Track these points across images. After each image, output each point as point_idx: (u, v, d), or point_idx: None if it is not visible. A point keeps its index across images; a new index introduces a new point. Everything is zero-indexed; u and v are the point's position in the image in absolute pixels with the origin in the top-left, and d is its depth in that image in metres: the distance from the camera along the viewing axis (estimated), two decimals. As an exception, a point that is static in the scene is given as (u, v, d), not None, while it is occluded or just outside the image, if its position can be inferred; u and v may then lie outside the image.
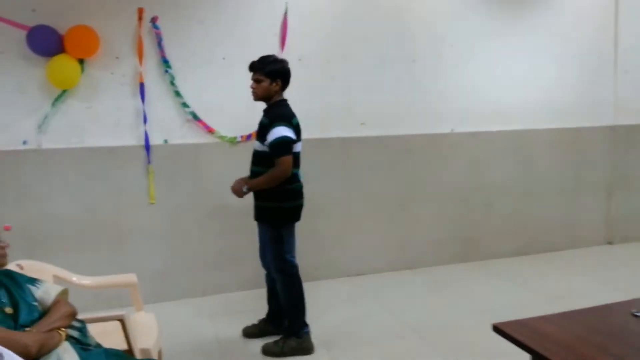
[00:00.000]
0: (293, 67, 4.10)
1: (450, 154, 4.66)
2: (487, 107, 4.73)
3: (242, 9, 4.00)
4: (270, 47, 4.05)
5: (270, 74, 2.95)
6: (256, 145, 3.05)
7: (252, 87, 2.99)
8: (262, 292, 3.58)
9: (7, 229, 3.55)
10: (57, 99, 3.66)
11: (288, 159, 2.89)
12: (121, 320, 2.17)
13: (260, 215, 3.09)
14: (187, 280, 4.03)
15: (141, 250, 3.91)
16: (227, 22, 3.97)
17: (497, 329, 1.67)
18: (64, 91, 3.66)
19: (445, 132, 4.63)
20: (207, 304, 3.91)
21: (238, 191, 2.98)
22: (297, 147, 3.01)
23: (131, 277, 2.61)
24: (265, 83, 2.95)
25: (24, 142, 3.64)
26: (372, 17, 4.32)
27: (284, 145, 2.87)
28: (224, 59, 3.99)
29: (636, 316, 1.76)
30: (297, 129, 2.99)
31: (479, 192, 4.77)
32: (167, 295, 3.96)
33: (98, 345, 2.03)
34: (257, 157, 3.05)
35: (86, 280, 2.53)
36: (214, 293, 4.08)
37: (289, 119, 2.96)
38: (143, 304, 3.75)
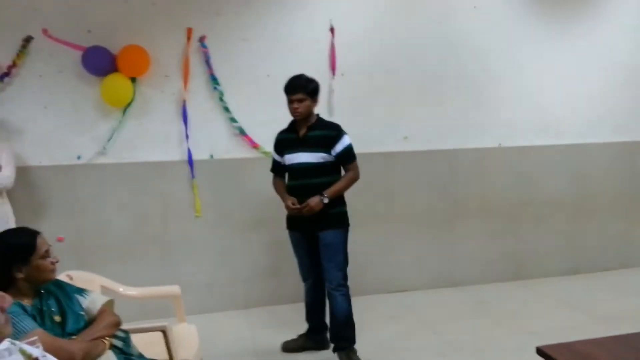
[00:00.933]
0: (336, 81, 4.23)
1: (497, 168, 4.55)
2: (536, 120, 4.60)
3: (284, 26, 4.07)
4: (313, 63, 4.11)
5: (312, 92, 3.09)
6: (311, 158, 3.06)
7: (295, 107, 3.05)
8: (303, 306, 3.61)
9: (60, 240, 3.77)
10: (121, 120, 3.83)
11: (356, 162, 3.14)
12: (163, 331, 2.23)
13: (331, 222, 3.08)
14: (230, 293, 4.10)
15: (186, 262, 4.00)
16: (269, 39, 4.04)
17: (541, 351, 1.61)
18: (126, 110, 3.83)
19: (492, 147, 4.53)
20: (249, 317, 3.95)
21: (317, 204, 2.97)
22: None
23: (175, 289, 2.67)
24: (308, 102, 3.06)
25: (79, 157, 3.81)
26: (414, 30, 4.31)
27: (352, 150, 3.11)
28: (268, 75, 4.06)
29: (692, 342, 1.66)
30: None
31: (528, 208, 4.63)
32: (210, 307, 4.03)
33: (140, 355, 2.09)
34: (318, 169, 3.06)
35: (132, 291, 2.62)
36: (256, 306, 4.12)
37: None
38: (186, 315, 3.87)
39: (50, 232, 3.74)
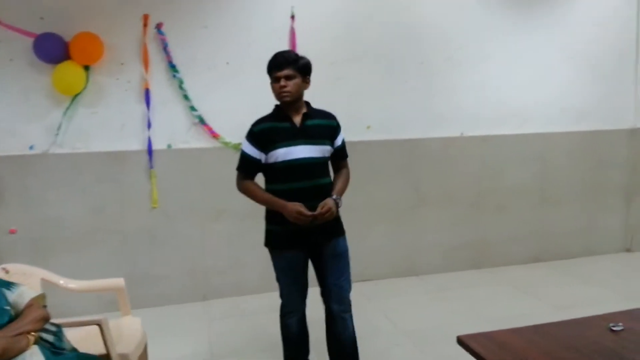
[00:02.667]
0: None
1: (460, 158, 4.55)
2: (499, 110, 4.60)
3: (245, 12, 4.00)
4: (274, 51, 4.04)
5: (303, 69, 2.49)
6: (315, 151, 2.50)
7: (282, 85, 2.43)
8: (267, 297, 3.58)
9: (12, 232, 3.69)
10: (69, 107, 3.74)
11: None
12: (99, 325, 2.19)
13: (339, 226, 2.63)
14: (189, 285, 4.06)
15: (144, 254, 3.95)
16: (230, 26, 3.98)
17: (461, 341, 1.60)
18: (74, 98, 3.74)
19: (455, 136, 4.52)
20: (209, 309, 3.92)
21: (333, 207, 2.44)
22: None
23: (118, 282, 2.63)
24: (298, 80, 2.46)
25: (31, 148, 3.73)
26: (378, 18, 4.27)
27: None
28: (228, 63, 4.01)
29: (613, 331, 1.67)
30: None
31: (491, 197, 4.65)
32: (168, 299, 3.99)
33: (73, 350, 2.05)
34: (323, 166, 2.56)
35: (73, 284, 2.56)
36: (216, 297, 4.09)
37: None
38: (144, 307, 3.84)
39: (2, 224, 3.71)
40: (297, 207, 2.37)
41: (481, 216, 4.64)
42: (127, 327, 2.54)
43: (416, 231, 4.49)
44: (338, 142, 2.60)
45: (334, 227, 2.56)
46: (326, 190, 2.51)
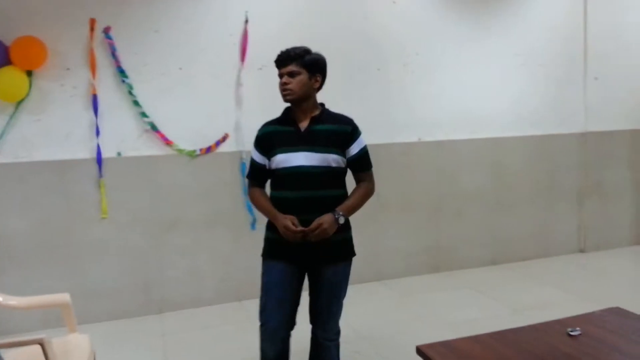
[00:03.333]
0: (253, 76, 4.09)
1: (418, 163, 4.56)
2: (455, 116, 4.65)
3: (197, 16, 3.90)
4: (228, 57, 3.98)
5: (310, 65, 2.26)
6: (317, 160, 2.22)
7: (284, 83, 2.25)
8: (222, 309, 3.44)
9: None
10: (13, 114, 3.54)
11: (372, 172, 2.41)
12: (41, 344, 2.04)
13: (339, 251, 2.30)
14: (143, 298, 3.89)
15: (94, 267, 3.76)
16: (182, 30, 3.87)
17: (420, 351, 1.56)
18: (18, 105, 3.55)
19: (412, 141, 4.54)
20: (163, 323, 3.76)
21: (331, 226, 2.14)
22: None
23: (63, 297, 2.47)
24: (303, 77, 2.24)
25: (-31, 157, 3.51)
26: (334, 25, 4.24)
27: (369, 154, 2.38)
28: (180, 69, 3.89)
29: (571, 336, 1.66)
30: None
31: (448, 202, 4.67)
32: (120, 313, 3.81)
33: (9, 373, 1.90)
34: (325, 176, 2.24)
35: (12, 301, 2.39)
36: (172, 310, 3.93)
37: None
38: (96, 322, 3.66)
39: None
40: (286, 220, 2.14)
41: (440, 221, 4.66)
42: (74, 345, 2.39)
43: (378, 236, 4.46)
44: (353, 150, 2.30)
45: (337, 249, 2.27)
46: (331, 203, 2.21)
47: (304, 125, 2.29)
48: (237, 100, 4.03)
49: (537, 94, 4.90)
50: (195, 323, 3.74)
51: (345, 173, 2.32)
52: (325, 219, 2.13)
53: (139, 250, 3.86)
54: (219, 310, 3.93)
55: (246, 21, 4.00)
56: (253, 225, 4.05)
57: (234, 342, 3.38)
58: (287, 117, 2.34)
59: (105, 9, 3.68)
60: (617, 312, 1.80)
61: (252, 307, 3.83)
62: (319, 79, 2.30)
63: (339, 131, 2.29)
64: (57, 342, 2.36)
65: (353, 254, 2.37)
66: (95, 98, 3.68)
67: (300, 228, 2.12)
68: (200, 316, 3.85)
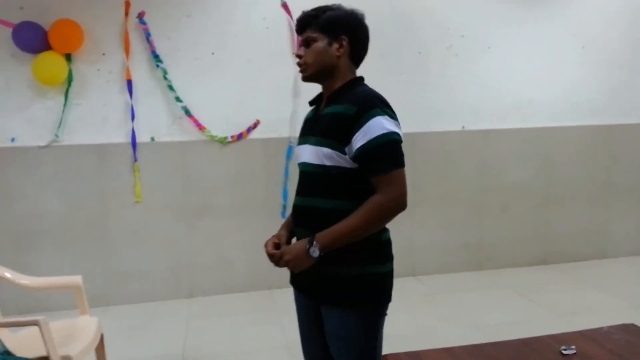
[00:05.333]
0: (290, 60, 3.98)
1: (460, 153, 4.31)
2: (503, 103, 4.34)
3: (229, 0, 3.84)
4: (261, 41, 3.90)
5: (328, 25, 1.66)
6: (313, 155, 1.65)
7: (298, 56, 1.71)
8: (251, 296, 3.37)
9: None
10: (65, 103, 3.66)
11: (402, 174, 1.59)
12: (38, 325, 2.07)
13: (339, 292, 1.62)
14: (172, 282, 3.94)
15: (127, 250, 3.85)
16: (214, 15, 3.83)
17: (386, 360, 1.41)
18: (68, 90, 3.66)
19: (455, 130, 4.28)
20: (190, 308, 3.79)
21: (299, 259, 1.56)
22: None
23: (75, 279, 2.51)
24: (321, 44, 1.66)
25: (12, 140, 3.66)
26: (372, 6, 4.00)
27: (394, 147, 1.57)
28: (213, 54, 3.86)
29: (563, 355, 1.45)
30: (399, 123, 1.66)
31: (493, 195, 4.39)
32: (151, 295, 3.88)
33: (6, 353, 1.94)
34: (323, 180, 1.64)
35: (24, 280, 2.45)
36: (202, 295, 3.96)
37: (388, 105, 1.64)
38: (126, 304, 3.75)
39: (-21, 217, 3.66)
40: (274, 238, 1.75)
41: (482, 216, 4.39)
42: (79, 327, 2.42)
43: (413, 230, 4.27)
44: (356, 142, 1.54)
45: (332, 288, 1.61)
46: (325, 219, 1.58)
47: (322, 106, 1.74)
48: (294, 86, 3.97)
49: (596, 81, 4.48)
50: (222, 309, 3.74)
51: (350, 175, 1.59)
52: (291, 249, 1.59)
53: (171, 235, 3.90)
54: (247, 298, 3.91)
55: (284, 4, 3.90)
56: (283, 213, 3.98)
57: (256, 331, 3.35)
58: (318, 98, 1.82)
59: (139, -7, 3.71)
60: (629, 330, 1.55)
61: (281, 297, 3.83)
62: (343, 42, 1.67)
63: (341, 114, 1.59)
64: (63, 323, 2.42)
65: (370, 298, 1.61)
66: (130, 83, 3.73)
67: (271, 251, 1.66)
68: (228, 303, 3.85)
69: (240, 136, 3.93)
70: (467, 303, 3.73)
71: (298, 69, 1.72)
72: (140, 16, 3.72)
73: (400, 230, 4.17)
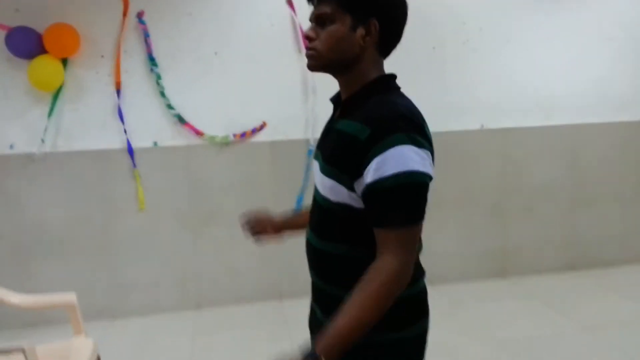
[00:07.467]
0: (297, 58, 3.78)
1: (480, 153, 4.06)
2: (525, 100, 4.08)
3: (233, -2, 3.66)
4: (268, 40, 3.71)
5: (357, 3, 1.23)
6: (319, 182, 1.32)
7: (309, 37, 1.28)
8: (262, 308, 3.20)
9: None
10: (54, 103, 3.50)
11: (417, 233, 1.22)
12: (23, 352, 1.91)
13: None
14: (179, 292, 3.77)
15: (131, 260, 3.69)
16: (216, 13, 3.64)
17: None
18: (58, 94, 3.51)
19: (474, 129, 4.03)
20: (197, 321, 3.61)
21: None
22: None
23: (69, 297, 2.34)
24: (342, 26, 1.24)
25: (11, 147, 3.53)
26: (383, 1, 3.83)
27: (416, 193, 1.18)
28: (216, 53, 3.68)
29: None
30: (432, 150, 1.26)
31: (516, 198, 4.13)
32: (157, 307, 3.72)
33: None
34: (320, 213, 1.33)
35: (14, 299, 2.30)
36: (209, 306, 3.78)
37: (419, 124, 1.22)
38: (131, 316, 3.60)
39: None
40: (254, 214, 1.62)
41: (505, 219, 4.13)
42: (74, 351, 2.26)
43: (430, 235, 3.98)
44: (367, 177, 1.15)
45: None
46: (327, 263, 1.31)
47: (337, 113, 1.35)
48: (303, 85, 3.77)
49: (626, 74, 4.18)
50: (230, 322, 3.56)
51: (358, 218, 1.22)
52: None
53: (177, 244, 3.74)
54: (257, 309, 3.73)
55: (289, 1, 3.71)
56: (298, 201, 3.79)
57: (265, 347, 3.15)
58: (337, 98, 1.38)
59: (138, -8, 3.54)
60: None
61: (292, 307, 3.64)
62: (372, 28, 1.24)
63: (350, 136, 1.19)
64: (54, 347, 2.25)
65: None
66: (118, 86, 3.55)
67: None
68: (237, 314, 3.66)
69: (243, 135, 3.73)
70: (490, 315, 3.49)
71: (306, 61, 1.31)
72: (140, 16, 3.55)
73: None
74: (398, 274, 1.15)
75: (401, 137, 1.14)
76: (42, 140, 3.51)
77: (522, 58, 4.02)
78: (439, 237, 4.04)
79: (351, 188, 1.19)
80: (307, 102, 3.76)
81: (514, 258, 4.16)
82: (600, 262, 4.26)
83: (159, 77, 3.58)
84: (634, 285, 3.91)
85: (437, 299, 3.74)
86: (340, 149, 1.22)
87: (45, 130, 3.50)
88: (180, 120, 3.63)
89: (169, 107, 3.61)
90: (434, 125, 4.09)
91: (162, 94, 3.60)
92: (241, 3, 3.66)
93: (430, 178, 1.19)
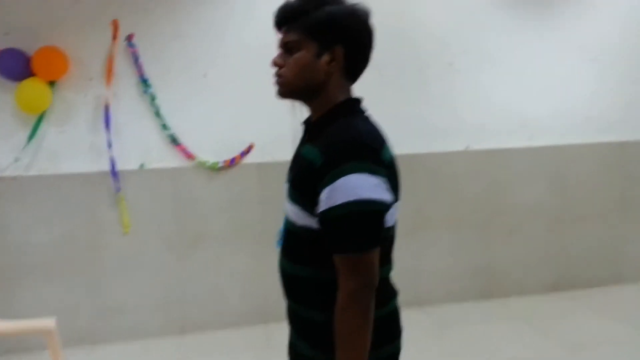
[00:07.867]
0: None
1: (465, 174, 4.10)
2: (510, 121, 4.14)
3: (223, 19, 3.70)
4: (257, 61, 3.74)
5: (321, 31, 1.28)
6: (287, 204, 1.37)
7: (276, 64, 1.34)
8: (247, 332, 3.19)
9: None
10: (38, 125, 3.51)
11: (371, 258, 1.21)
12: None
13: None
14: (163, 316, 3.75)
15: (115, 283, 3.67)
16: (206, 35, 3.69)
17: None
18: (42, 116, 3.52)
19: (459, 150, 4.08)
20: (181, 347, 3.58)
21: None
22: (391, 218, 1.32)
23: (46, 323, 2.34)
24: (306, 53, 1.29)
25: (-3, 169, 3.53)
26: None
27: (366, 222, 1.19)
28: (204, 76, 3.71)
29: None
30: (392, 173, 1.32)
31: (501, 218, 4.17)
32: (141, 332, 3.69)
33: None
34: (287, 236, 1.38)
35: (-7, 327, 2.29)
36: (194, 330, 3.76)
37: (375, 149, 1.26)
38: (116, 341, 3.57)
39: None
40: None
41: (490, 239, 4.17)
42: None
43: (417, 257, 4.05)
44: (321, 205, 1.20)
45: None
46: (293, 285, 1.37)
47: (306, 138, 1.40)
48: (292, 105, 3.76)
49: (609, 95, 4.26)
50: (215, 347, 3.53)
51: (319, 240, 1.25)
52: None
53: (162, 267, 3.72)
54: (242, 333, 3.71)
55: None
56: (279, 242, 3.78)
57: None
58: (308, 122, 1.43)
59: (127, 16, 3.57)
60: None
61: (278, 332, 3.61)
62: (337, 54, 1.29)
63: (309, 162, 1.24)
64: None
65: None
66: (107, 109, 3.56)
67: None
68: (222, 339, 3.64)
69: (232, 161, 3.76)
70: (476, 336, 3.50)
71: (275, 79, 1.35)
72: (129, 39, 3.58)
73: (402, 257, 3.99)
74: (355, 296, 1.18)
75: (353, 165, 1.17)
76: (15, 159, 3.49)
77: (506, 79, 4.09)
78: (425, 257, 4.06)
79: (312, 213, 1.24)
80: (295, 123, 3.79)
81: (499, 278, 4.18)
82: (585, 282, 4.29)
83: (153, 97, 3.60)
84: (619, 305, 3.94)
85: (424, 319, 3.78)
86: (300, 174, 1.29)
87: (24, 149, 3.50)
88: (174, 141, 3.65)
89: (164, 127, 3.63)
90: (419, 147, 4.17)
91: (157, 114, 3.61)
92: (231, 25, 3.69)
93: (384, 204, 1.21)
